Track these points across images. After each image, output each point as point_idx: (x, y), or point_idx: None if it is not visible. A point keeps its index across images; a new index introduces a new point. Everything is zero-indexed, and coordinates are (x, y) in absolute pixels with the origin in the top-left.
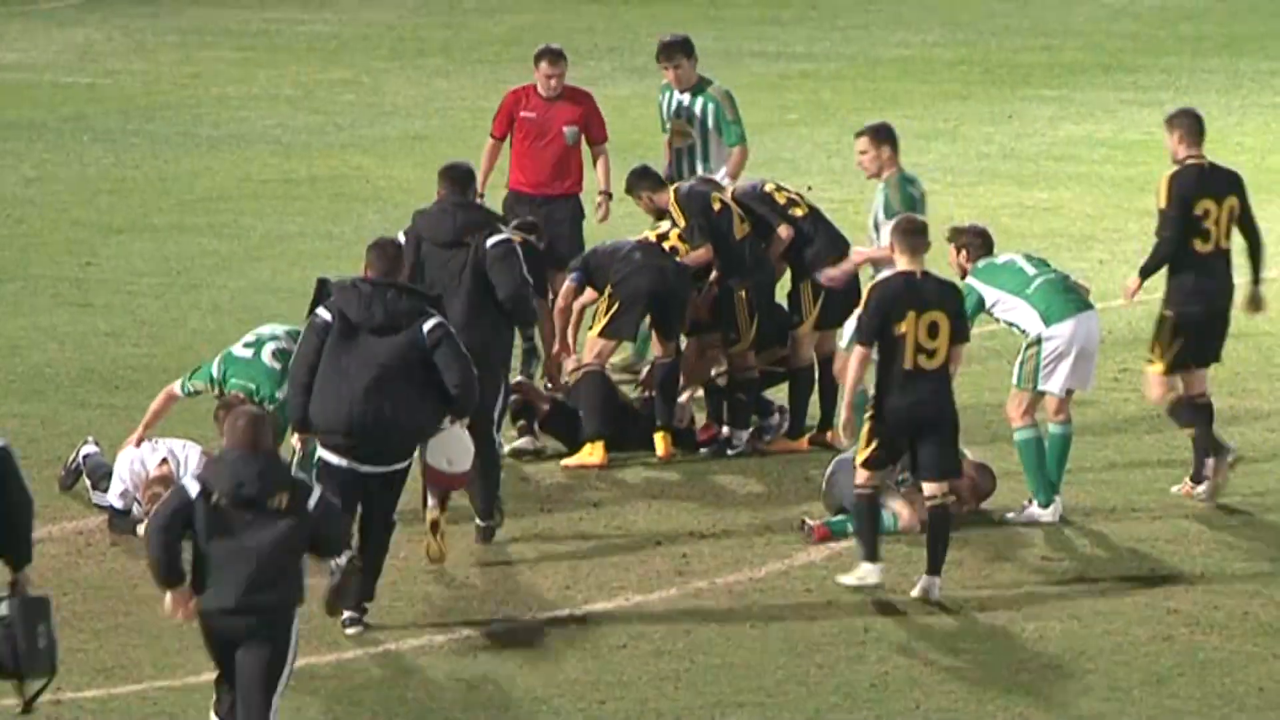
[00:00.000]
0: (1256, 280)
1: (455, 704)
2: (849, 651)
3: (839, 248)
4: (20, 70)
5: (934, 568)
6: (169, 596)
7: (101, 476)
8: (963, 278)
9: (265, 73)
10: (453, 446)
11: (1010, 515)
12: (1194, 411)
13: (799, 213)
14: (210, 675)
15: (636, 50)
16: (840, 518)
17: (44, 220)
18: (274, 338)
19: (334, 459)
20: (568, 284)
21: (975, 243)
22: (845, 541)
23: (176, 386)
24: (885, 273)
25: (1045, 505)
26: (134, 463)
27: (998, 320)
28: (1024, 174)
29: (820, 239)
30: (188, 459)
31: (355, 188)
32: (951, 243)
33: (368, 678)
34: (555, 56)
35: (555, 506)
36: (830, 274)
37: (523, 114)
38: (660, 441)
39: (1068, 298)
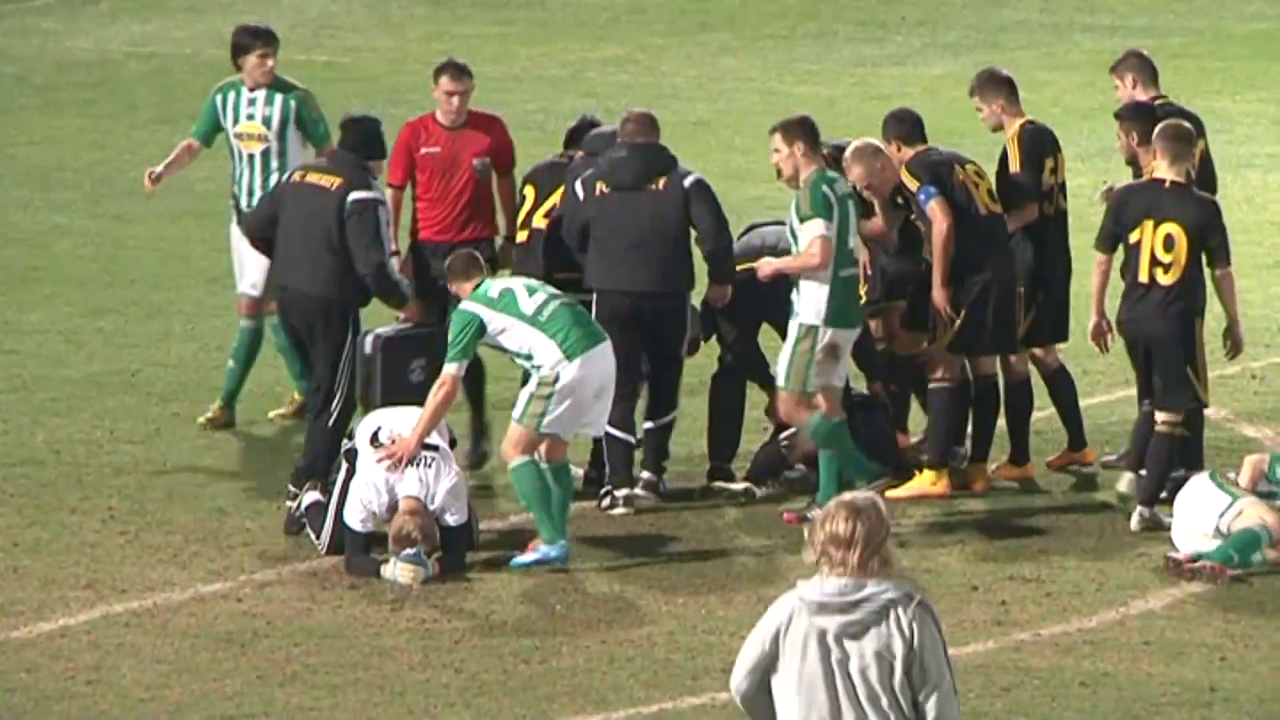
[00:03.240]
0: None
1: None
2: (1192, 713)
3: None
4: None
5: (1146, 499)
6: None
7: (323, 524)
8: None
9: (527, 50)
10: None
11: None
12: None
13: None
14: None
15: (948, 25)
16: (1215, 548)
17: None
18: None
19: None
20: (935, 203)
21: None
22: (1206, 584)
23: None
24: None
25: None
26: (378, 489)
27: None
28: None
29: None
30: (439, 489)
31: None
32: None
33: None
34: (458, 71)
35: None
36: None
37: (424, 150)
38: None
39: None
